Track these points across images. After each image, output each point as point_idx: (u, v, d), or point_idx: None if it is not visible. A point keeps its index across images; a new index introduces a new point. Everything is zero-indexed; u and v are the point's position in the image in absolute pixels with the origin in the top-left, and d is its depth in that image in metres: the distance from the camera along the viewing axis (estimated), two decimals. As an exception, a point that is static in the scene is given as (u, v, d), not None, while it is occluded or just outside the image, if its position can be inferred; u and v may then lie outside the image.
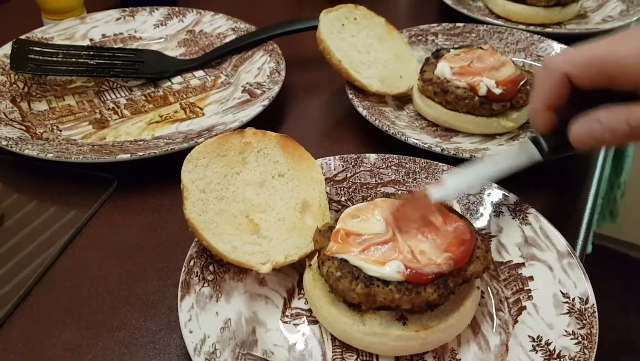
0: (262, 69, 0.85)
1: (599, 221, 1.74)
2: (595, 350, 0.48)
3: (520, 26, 0.98)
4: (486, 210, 0.62)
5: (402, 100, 0.83)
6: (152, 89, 0.86)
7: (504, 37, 0.94)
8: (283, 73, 0.82)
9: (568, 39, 0.93)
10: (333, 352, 0.51)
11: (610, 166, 1.43)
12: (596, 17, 1.05)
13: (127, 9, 0.99)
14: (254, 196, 0.58)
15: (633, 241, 2.17)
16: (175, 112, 0.81)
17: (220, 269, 0.55)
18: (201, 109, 0.81)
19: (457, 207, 0.61)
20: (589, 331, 0.49)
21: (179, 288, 0.51)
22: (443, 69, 0.76)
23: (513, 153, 0.57)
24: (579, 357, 0.47)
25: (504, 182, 0.63)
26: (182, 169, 0.56)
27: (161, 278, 0.58)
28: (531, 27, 0.98)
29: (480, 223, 0.61)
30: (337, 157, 0.66)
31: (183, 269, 0.53)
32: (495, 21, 1.00)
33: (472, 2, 1.10)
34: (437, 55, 0.80)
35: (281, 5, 1.17)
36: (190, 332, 0.48)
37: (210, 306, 0.51)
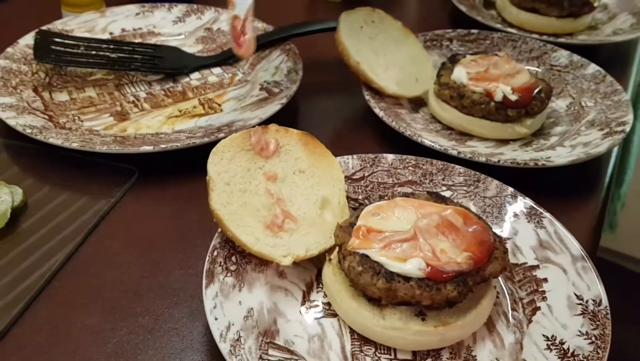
0: (279, 68, 0.87)
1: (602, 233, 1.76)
2: (608, 350, 0.49)
3: (534, 35, 1.00)
4: (502, 213, 0.63)
5: (417, 103, 0.84)
6: (171, 84, 0.87)
7: (517, 45, 0.95)
8: (300, 72, 0.84)
9: (579, 50, 0.95)
10: (352, 345, 0.52)
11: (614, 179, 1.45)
12: (607, 29, 1.07)
13: (146, 4, 1.01)
14: (275, 190, 0.59)
15: (631, 253, 2.19)
16: (194, 107, 0.82)
17: (243, 261, 0.56)
18: (219, 105, 0.83)
19: (474, 209, 0.63)
20: (602, 332, 0.51)
21: (204, 277, 0.52)
22: (460, 74, 0.78)
23: None
24: (593, 356, 0.49)
25: (520, 188, 0.65)
26: (209, 161, 0.57)
27: (183, 267, 0.60)
28: (544, 37, 1.00)
29: (496, 226, 0.62)
30: (355, 156, 0.68)
31: (207, 258, 0.54)
32: (509, 29, 1.01)
33: (486, 10, 1.12)
34: (454, 60, 0.82)
35: (295, 6, 1.18)
36: (216, 319, 0.49)
37: (233, 295, 0.52)
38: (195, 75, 0.89)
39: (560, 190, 0.73)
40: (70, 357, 0.51)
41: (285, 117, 0.77)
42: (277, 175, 0.60)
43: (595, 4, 1.05)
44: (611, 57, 1.04)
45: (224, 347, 0.47)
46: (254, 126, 0.63)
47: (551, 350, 0.51)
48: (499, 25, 1.02)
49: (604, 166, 0.79)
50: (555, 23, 1.02)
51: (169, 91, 0.85)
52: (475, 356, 0.52)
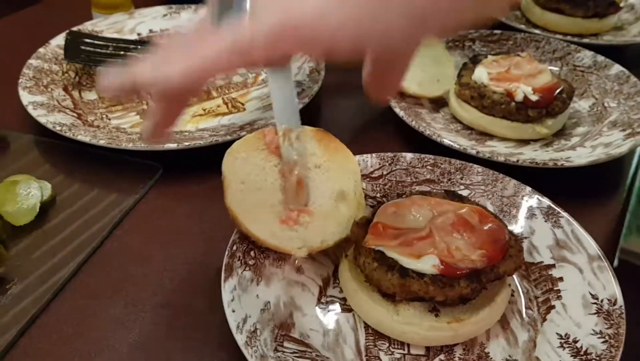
0: (301, 68, 0.88)
1: (625, 235, 1.73)
2: (621, 349, 0.49)
3: (557, 36, 0.99)
4: (519, 212, 0.63)
5: (437, 103, 0.85)
6: (197, 84, 0.89)
7: (540, 46, 0.95)
8: (322, 72, 0.85)
9: (605, 50, 0.94)
10: (366, 339, 0.53)
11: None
12: (633, 30, 1.06)
13: (173, 6, 1.03)
14: None
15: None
16: (218, 106, 0.84)
17: (261, 256, 0.57)
18: (242, 104, 0.84)
19: (491, 208, 0.63)
20: (616, 331, 0.51)
21: (222, 271, 0.54)
22: (481, 74, 0.78)
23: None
24: (606, 355, 0.49)
25: (539, 188, 0.65)
26: (223, 161, 0.58)
27: (203, 262, 0.61)
28: (568, 37, 0.99)
29: (513, 225, 0.62)
30: (374, 155, 0.69)
31: (226, 253, 0.55)
32: (533, 30, 1.01)
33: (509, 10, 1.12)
34: (475, 60, 0.82)
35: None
36: (233, 311, 0.51)
37: (251, 288, 0.54)
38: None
39: (580, 191, 0.72)
40: (94, 346, 0.53)
41: (307, 117, 0.78)
42: (294, 172, 0.61)
43: (622, 5, 1.04)
44: (637, 58, 1.03)
45: (240, 338, 0.49)
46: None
47: (564, 348, 0.51)
48: (522, 26, 1.02)
49: (626, 167, 0.78)
50: (580, 23, 1.02)
51: (194, 90, 0.87)
52: (488, 353, 0.52)
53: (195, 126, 0.79)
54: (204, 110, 0.83)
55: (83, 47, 0.88)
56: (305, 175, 0.59)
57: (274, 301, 0.54)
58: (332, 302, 0.57)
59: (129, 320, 0.55)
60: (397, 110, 0.77)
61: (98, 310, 0.56)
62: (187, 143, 0.70)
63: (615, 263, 0.61)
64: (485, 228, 0.54)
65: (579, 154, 0.73)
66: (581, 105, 0.86)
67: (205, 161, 0.72)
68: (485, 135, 0.79)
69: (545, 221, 0.62)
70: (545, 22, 1.04)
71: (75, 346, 0.53)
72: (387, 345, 0.53)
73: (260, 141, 0.61)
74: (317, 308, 0.56)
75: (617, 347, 0.49)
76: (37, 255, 0.61)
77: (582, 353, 0.50)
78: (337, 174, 0.62)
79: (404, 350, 0.53)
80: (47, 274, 0.59)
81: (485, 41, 0.96)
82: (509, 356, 0.52)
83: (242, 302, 0.52)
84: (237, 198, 0.57)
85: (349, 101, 0.89)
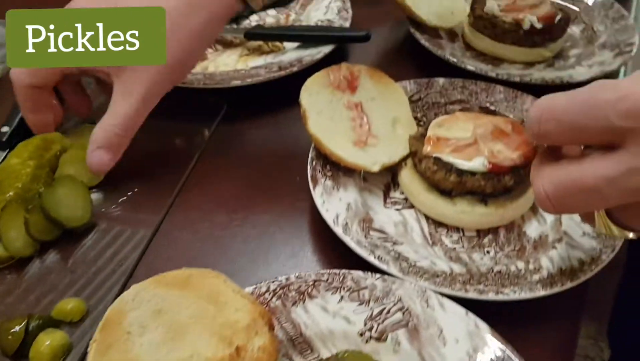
0: (329, 7, 0.98)
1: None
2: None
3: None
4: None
5: (452, 34, 0.96)
6: (234, 26, 0.98)
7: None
8: (350, 10, 0.95)
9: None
10: (429, 227, 0.67)
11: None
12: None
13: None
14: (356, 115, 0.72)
15: None
16: (260, 46, 0.94)
17: (334, 168, 0.69)
18: (281, 43, 0.94)
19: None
20: (624, 207, 0.65)
21: (309, 181, 0.66)
22: (492, 6, 0.90)
23: None
24: (618, 225, 0.64)
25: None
26: (301, 96, 0.70)
27: (285, 177, 0.73)
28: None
29: (532, 132, 0.76)
30: (411, 81, 0.81)
31: (309, 167, 0.68)
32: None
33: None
34: (485, -7, 0.94)
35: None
36: (327, 211, 0.64)
37: (334, 193, 0.66)
38: (254, 17, 1.00)
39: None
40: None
41: (340, 51, 0.89)
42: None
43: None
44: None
45: (337, 230, 0.62)
46: (322, 60, 0.75)
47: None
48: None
49: (616, 81, 0.92)
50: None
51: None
52: (525, 231, 0.67)
53: (245, 64, 0.89)
54: (249, 50, 0.93)
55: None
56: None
57: (352, 203, 0.67)
58: (396, 202, 0.70)
59: (233, 225, 0.68)
60: (422, 41, 0.89)
61: (203, 220, 0.68)
62: (249, 80, 0.81)
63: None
64: (518, 134, 0.67)
65: (579, 72, 0.86)
66: (573, 30, 0.99)
67: (262, 96, 0.83)
68: (497, 59, 0.91)
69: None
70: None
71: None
72: (447, 230, 0.67)
73: (326, 78, 0.72)
74: (384, 207, 0.69)
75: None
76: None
77: (599, 224, 0.64)
78: (390, 104, 0.74)
79: (459, 233, 0.66)
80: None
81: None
82: (542, 232, 0.66)
83: (330, 204, 0.65)
84: (316, 125, 0.68)
85: (374, 35, 0.99)
